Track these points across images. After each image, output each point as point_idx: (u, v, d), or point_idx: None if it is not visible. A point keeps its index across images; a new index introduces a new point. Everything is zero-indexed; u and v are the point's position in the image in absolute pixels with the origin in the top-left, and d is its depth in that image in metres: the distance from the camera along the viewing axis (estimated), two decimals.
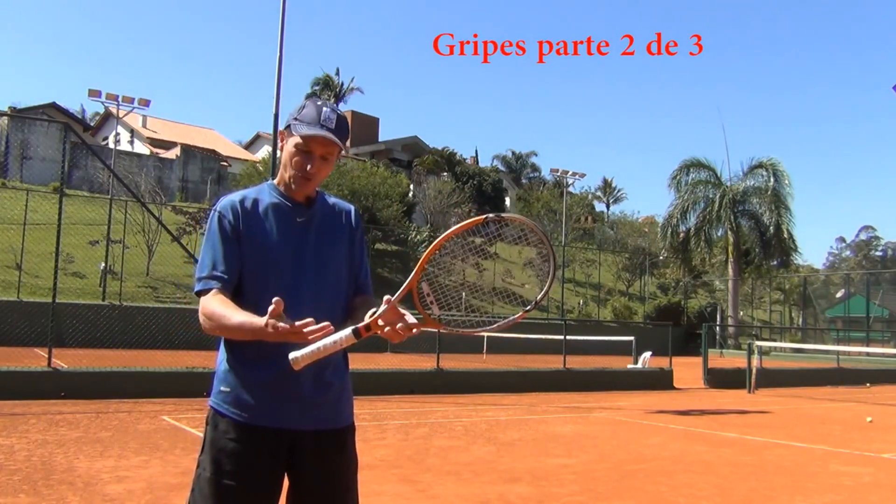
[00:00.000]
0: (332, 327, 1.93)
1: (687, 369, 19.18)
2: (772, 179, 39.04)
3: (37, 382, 10.32)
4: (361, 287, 2.38)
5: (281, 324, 1.89)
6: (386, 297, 2.06)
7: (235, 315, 2.06)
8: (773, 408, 13.40)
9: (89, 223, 26.32)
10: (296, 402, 2.17)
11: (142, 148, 49.32)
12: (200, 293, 2.15)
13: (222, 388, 2.20)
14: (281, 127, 2.33)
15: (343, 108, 60.84)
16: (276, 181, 2.31)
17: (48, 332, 11.10)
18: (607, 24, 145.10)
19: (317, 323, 2.03)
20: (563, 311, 36.36)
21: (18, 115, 40.74)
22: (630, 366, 18.15)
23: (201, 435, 2.24)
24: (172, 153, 46.86)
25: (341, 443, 2.27)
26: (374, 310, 2.05)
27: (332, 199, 2.40)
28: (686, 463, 7.41)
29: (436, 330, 2.10)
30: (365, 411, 10.33)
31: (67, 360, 12.00)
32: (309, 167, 2.20)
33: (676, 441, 8.90)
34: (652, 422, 10.66)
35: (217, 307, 2.09)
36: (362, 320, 2.05)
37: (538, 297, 2.05)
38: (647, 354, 18.10)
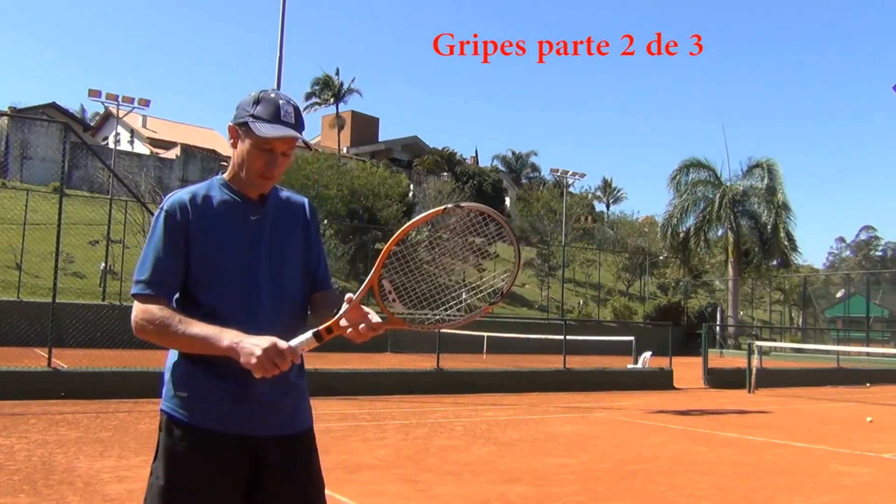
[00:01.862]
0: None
1: (687, 369, 19.16)
2: (766, 178, 39.01)
3: (37, 382, 10.31)
4: (320, 283, 2.27)
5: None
6: (347, 296, 1.99)
7: (193, 326, 1.95)
8: (773, 408, 13.40)
9: (89, 223, 26.32)
10: (254, 406, 2.05)
11: (142, 148, 49.34)
12: (138, 297, 2.01)
13: (177, 392, 2.09)
14: (231, 121, 2.16)
15: (343, 108, 60.89)
16: (226, 176, 2.17)
17: (48, 332, 11.09)
18: (607, 24, 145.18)
19: (276, 326, 1.99)
20: (563, 311, 36.35)
21: (18, 115, 40.72)
22: (630, 366, 18.14)
23: None
24: (172, 153, 46.87)
25: (304, 447, 2.17)
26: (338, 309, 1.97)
27: (284, 193, 2.27)
28: (686, 463, 7.41)
29: (399, 328, 2.02)
30: (365, 411, 10.33)
31: (67, 360, 11.99)
32: (272, 168, 2.09)
33: (676, 441, 8.89)
34: (652, 422, 10.66)
35: (166, 314, 1.98)
36: (326, 317, 1.99)
37: (504, 289, 1.97)
38: (647, 354, 18.09)
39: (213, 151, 49.47)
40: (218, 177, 2.18)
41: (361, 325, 1.94)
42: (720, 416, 11.73)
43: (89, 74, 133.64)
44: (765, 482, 6.56)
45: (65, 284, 21.89)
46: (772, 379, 18.08)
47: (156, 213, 2.10)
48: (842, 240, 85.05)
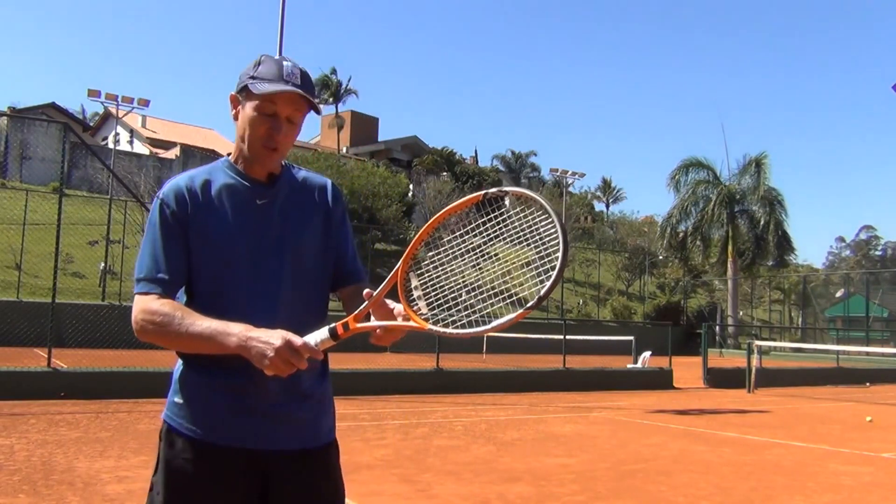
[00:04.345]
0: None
1: (687, 369, 19.18)
2: (759, 175, 38.95)
3: (37, 382, 10.31)
4: (349, 275, 2.02)
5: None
6: (366, 291, 1.76)
7: (197, 323, 1.74)
8: (773, 407, 13.40)
9: (89, 223, 26.34)
10: (263, 417, 1.85)
11: (141, 148, 49.32)
12: (139, 294, 1.82)
13: (176, 400, 1.89)
14: (233, 90, 1.94)
15: (342, 108, 60.88)
16: (231, 157, 1.96)
17: (48, 332, 11.10)
18: (607, 23, 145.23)
19: (286, 322, 1.76)
20: (563, 311, 36.36)
21: (18, 115, 40.70)
22: (630, 365, 18.15)
23: None
24: (172, 153, 46.86)
25: (322, 464, 1.95)
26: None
27: (302, 173, 2.02)
28: (686, 463, 7.41)
29: (422, 331, 1.72)
30: (365, 411, 10.33)
31: (67, 360, 12.00)
32: (276, 134, 1.86)
33: (676, 441, 8.90)
34: (652, 421, 10.66)
35: (167, 311, 1.76)
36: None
37: (542, 293, 1.65)
38: (647, 354, 18.10)
39: (213, 151, 49.41)
40: (223, 159, 1.98)
41: (380, 326, 1.74)
42: (720, 416, 11.73)
43: (89, 74, 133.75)
44: (764, 482, 6.56)
45: (64, 284, 21.88)
46: (771, 379, 18.08)
47: (152, 202, 1.89)
48: (841, 239, 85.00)
